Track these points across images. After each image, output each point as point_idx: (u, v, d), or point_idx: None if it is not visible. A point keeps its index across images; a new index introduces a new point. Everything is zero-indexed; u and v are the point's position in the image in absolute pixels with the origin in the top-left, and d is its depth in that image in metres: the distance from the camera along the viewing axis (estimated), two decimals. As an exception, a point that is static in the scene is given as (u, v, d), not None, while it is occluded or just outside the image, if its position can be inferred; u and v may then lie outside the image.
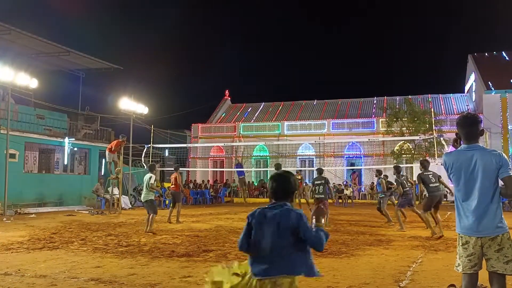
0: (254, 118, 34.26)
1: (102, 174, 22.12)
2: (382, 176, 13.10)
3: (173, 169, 14.91)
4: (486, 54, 33.01)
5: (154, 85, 56.71)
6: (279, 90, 75.44)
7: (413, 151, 25.26)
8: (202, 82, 72.12)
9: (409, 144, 25.73)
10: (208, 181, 29.04)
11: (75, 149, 21.52)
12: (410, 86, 75.12)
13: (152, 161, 20.28)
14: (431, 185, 9.48)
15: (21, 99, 19.13)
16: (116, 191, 17.90)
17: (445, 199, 25.20)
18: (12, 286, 4.92)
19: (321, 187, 11.09)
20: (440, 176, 9.99)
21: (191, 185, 26.74)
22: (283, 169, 16.11)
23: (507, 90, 27.73)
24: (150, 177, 10.31)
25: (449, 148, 23.33)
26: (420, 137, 22.24)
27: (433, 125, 21.70)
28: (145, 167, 19.66)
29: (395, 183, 11.81)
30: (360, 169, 28.02)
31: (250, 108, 36.28)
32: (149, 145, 19.02)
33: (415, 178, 26.31)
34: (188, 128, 34.62)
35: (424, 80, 67.96)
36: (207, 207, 21.17)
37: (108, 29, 60.09)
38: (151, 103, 22.02)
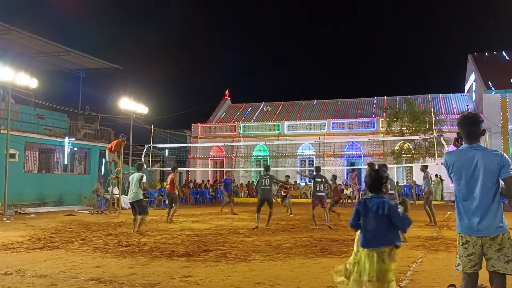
0: (254, 118, 34.27)
1: (102, 174, 22.12)
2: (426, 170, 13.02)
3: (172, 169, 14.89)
4: (486, 54, 33.01)
5: (154, 85, 56.66)
6: (279, 90, 75.47)
7: (413, 151, 25.26)
8: (202, 82, 72.21)
9: (409, 144, 25.74)
10: (208, 181, 29.04)
11: (75, 149, 21.52)
12: (410, 86, 75.14)
13: (153, 161, 20.30)
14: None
15: (21, 99, 19.13)
16: (116, 191, 17.91)
17: (443, 200, 25.32)
18: (12, 286, 4.93)
19: (322, 185, 11.20)
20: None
21: (191, 185, 26.75)
22: (285, 169, 16.23)
23: (507, 90, 27.73)
24: (142, 177, 9.99)
25: (449, 148, 23.34)
26: (420, 137, 22.24)
27: (433, 125, 21.70)
28: (145, 167, 19.67)
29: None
30: (360, 169, 28.01)
31: (250, 108, 36.28)
32: (149, 145, 19.02)
33: (414, 178, 26.37)
34: (188, 128, 34.63)
35: (424, 80, 67.97)
36: (207, 207, 21.16)
37: (108, 29, 60.08)
38: (151, 103, 22.03)
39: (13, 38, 18.52)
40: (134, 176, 10.01)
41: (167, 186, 13.55)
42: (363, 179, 13.90)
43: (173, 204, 13.00)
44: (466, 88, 33.56)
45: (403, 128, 25.49)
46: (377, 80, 68.57)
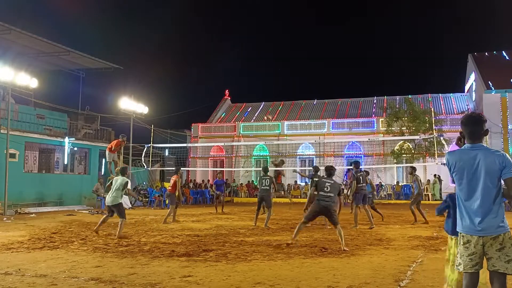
0: (254, 118, 34.27)
1: (102, 174, 22.12)
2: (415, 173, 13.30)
3: (173, 169, 14.88)
4: (486, 53, 33.01)
5: (154, 85, 56.74)
6: (279, 90, 75.46)
7: (413, 151, 25.26)
8: (202, 82, 72.18)
9: (409, 144, 25.74)
10: (208, 180, 29.04)
11: (75, 148, 21.52)
12: (410, 86, 75.15)
13: (153, 161, 20.29)
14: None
15: (21, 99, 19.14)
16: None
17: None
18: (13, 286, 4.93)
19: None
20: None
21: (191, 185, 26.75)
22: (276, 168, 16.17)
23: (507, 89, 27.72)
24: (127, 183, 9.67)
25: (449, 148, 23.35)
26: (420, 137, 22.24)
27: (433, 125, 21.71)
28: (145, 167, 19.68)
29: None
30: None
31: (250, 108, 36.28)
32: (149, 145, 19.02)
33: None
34: (188, 127, 34.62)
35: (424, 80, 67.99)
36: (207, 206, 21.15)
37: (108, 29, 60.08)
38: (151, 103, 22.08)
39: (13, 38, 18.52)
40: (118, 180, 9.58)
41: (169, 187, 13.46)
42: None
43: (171, 205, 12.96)
44: (466, 87, 33.56)
45: (403, 128, 25.49)
46: (377, 80, 68.58)
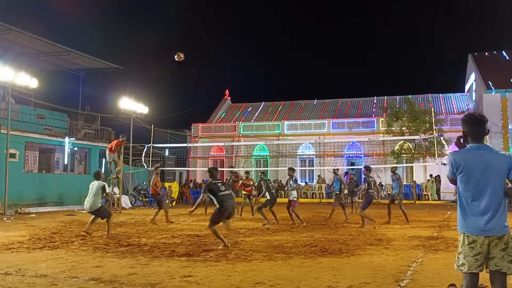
0: (254, 118, 34.26)
1: (103, 173, 22.08)
2: (339, 173, 14.30)
3: (173, 169, 14.82)
4: (486, 53, 32.99)
5: (154, 85, 56.71)
6: (279, 90, 75.44)
7: (413, 151, 25.26)
8: (202, 82, 72.17)
9: (409, 144, 25.73)
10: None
11: (75, 148, 21.52)
12: (410, 86, 75.11)
13: (153, 161, 20.26)
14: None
15: (21, 99, 19.14)
16: (116, 190, 17.93)
17: (442, 199, 25.27)
18: (13, 286, 4.93)
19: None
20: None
21: (191, 185, 26.74)
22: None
23: (507, 89, 27.70)
24: (104, 186, 9.32)
25: (449, 148, 23.33)
26: (420, 137, 22.24)
27: (433, 125, 21.70)
28: (145, 167, 19.66)
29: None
30: (361, 168, 27.97)
31: (250, 108, 36.28)
32: (149, 145, 19.02)
33: (414, 178, 26.36)
34: (188, 127, 34.62)
35: (424, 80, 67.97)
36: (208, 206, 21.12)
37: (108, 29, 60.05)
38: (151, 103, 22.05)
39: (13, 38, 18.53)
40: (95, 185, 9.20)
41: (151, 188, 13.06)
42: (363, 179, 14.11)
43: (160, 206, 12.52)
44: (466, 87, 33.55)
45: (403, 128, 25.48)
46: (377, 80, 68.56)
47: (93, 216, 9.27)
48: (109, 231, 9.13)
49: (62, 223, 12.04)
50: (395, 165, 25.52)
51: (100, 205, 9.28)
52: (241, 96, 55.17)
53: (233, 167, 27.12)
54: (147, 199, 21.16)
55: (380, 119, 29.27)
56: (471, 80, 31.88)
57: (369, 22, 77.87)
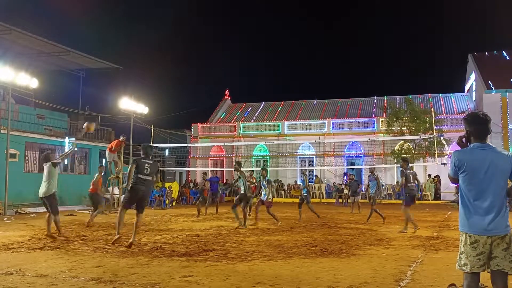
0: (254, 118, 34.26)
1: (103, 174, 22.08)
2: (376, 173, 13.78)
3: (173, 169, 14.78)
4: (487, 53, 33.00)
5: (154, 85, 56.74)
6: (279, 90, 75.49)
7: (413, 151, 25.26)
8: (202, 82, 72.18)
9: (409, 144, 25.74)
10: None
11: (75, 149, 21.50)
12: (410, 86, 75.11)
13: (154, 161, 20.21)
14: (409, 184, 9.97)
15: (21, 99, 19.13)
16: (116, 190, 17.93)
17: (442, 199, 25.30)
18: (13, 286, 4.93)
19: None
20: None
21: (191, 185, 26.74)
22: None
23: (508, 89, 27.72)
24: (53, 164, 8.75)
25: (449, 148, 23.33)
26: (420, 137, 22.27)
27: (434, 125, 21.72)
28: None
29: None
30: (361, 168, 28.00)
31: (250, 108, 36.28)
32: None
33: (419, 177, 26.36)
34: (188, 127, 34.62)
35: (424, 80, 67.99)
36: (208, 207, 21.11)
37: (108, 29, 60.08)
38: (151, 103, 22.02)
39: (13, 38, 18.53)
40: (45, 168, 8.71)
41: (90, 187, 12.32)
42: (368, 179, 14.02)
43: (96, 206, 12.07)
44: (467, 87, 33.55)
45: (403, 128, 25.49)
46: (377, 79, 68.57)
47: (47, 215, 8.66)
48: (60, 230, 8.65)
49: (62, 223, 11.96)
50: (395, 165, 25.57)
51: (54, 191, 8.58)
52: (241, 96, 55.23)
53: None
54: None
55: (380, 119, 29.28)
56: (471, 80, 31.88)
57: (370, 22, 77.89)
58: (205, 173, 16.88)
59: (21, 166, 18.19)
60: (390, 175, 28.35)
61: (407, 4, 76.66)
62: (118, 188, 17.66)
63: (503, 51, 32.68)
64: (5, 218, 13.33)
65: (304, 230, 10.52)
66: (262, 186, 11.83)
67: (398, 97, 32.35)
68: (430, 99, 32.48)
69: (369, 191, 13.64)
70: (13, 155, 16.78)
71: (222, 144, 29.98)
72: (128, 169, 7.91)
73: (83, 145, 21.55)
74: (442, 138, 18.86)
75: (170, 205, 20.48)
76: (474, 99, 31.22)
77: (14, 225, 11.67)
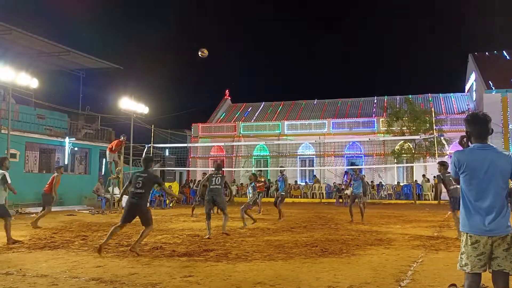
0: (254, 118, 34.27)
1: (103, 173, 22.12)
2: (285, 173, 14.16)
3: (173, 169, 14.77)
4: (487, 53, 33.00)
5: (154, 85, 56.71)
6: (279, 90, 75.50)
7: (413, 151, 25.27)
8: (202, 82, 72.20)
9: (409, 144, 25.74)
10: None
11: (76, 149, 21.53)
12: (410, 86, 75.12)
13: (154, 161, 20.20)
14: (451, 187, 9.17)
15: (21, 99, 19.15)
16: (116, 190, 17.91)
17: (444, 199, 25.27)
18: (14, 286, 4.93)
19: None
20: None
21: (191, 185, 26.74)
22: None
23: (508, 89, 27.73)
24: (3, 175, 8.27)
25: (449, 148, 23.33)
26: (420, 137, 22.27)
27: (434, 125, 21.74)
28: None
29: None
30: (361, 168, 28.00)
31: (250, 108, 36.29)
32: (150, 145, 19.03)
33: (415, 178, 26.33)
34: (188, 127, 34.64)
35: (425, 80, 67.97)
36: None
37: (108, 29, 60.09)
38: (151, 103, 22.04)
39: (14, 38, 18.55)
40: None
41: (46, 186, 11.87)
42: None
43: (45, 207, 11.70)
44: (467, 87, 33.56)
45: (403, 128, 25.50)
46: (377, 79, 68.58)
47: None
48: (9, 233, 8.14)
49: (62, 223, 12.04)
50: (395, 165, 25.58)
51: (2, 203, 8.04)
52: (241, 96, 55.21)
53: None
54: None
55: (381, 119, 29.28)
56: (472, 80, 31.88)
57: (370, 22, 77.92)
58: (205, 173, 16.96)
59: (22, 166, 18.20)
60: (391, 175, 28.36)
61: (407, 4, 76.72)
62: (119, 188, 17.65)
63: (504, 51, 32.68)
64: (5, 218, 13.31)
65: (304, 230, 10.52)
66: (248, 191, 12.15)
67: (398, 97, 32.36)
68: (430, 99, 32.49)
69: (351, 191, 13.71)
70: (13, 155, 16.79)
71: (222, 144, 29.99)
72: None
73: (83, 145, 21.57)
74: (442, 138, 18.84)
75: (170, 205, 20.48)
76: (474, 99, 31.22)
77: (14, 225, 11.61)
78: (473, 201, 3.19)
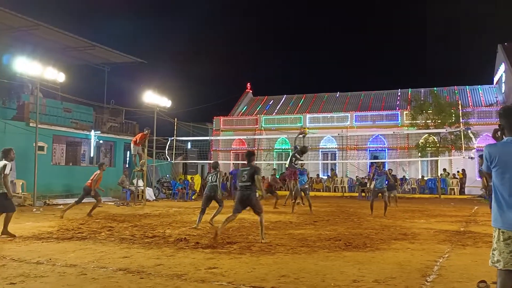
0: (276, 111, 34.18)
1: (127, 166, 22.53)
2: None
3: (196, 162, 14.90)
4: (517, 43, 31.88)
5: (177, 78, 57.15)
6: (301, 83, 75.00)
7: (438, 144, 24.75)
8: (224, 75, 72.35)
9: (434, 137, 25.21)
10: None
11: (101, 141, 21.96)
12: (435, 78, 73.35)
13: (176, 153, 20.45)
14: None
15: (48, 93, 19.62)
16: (140, 183, 18.25)
17: (469, 194, 24.71)
18: (45, 275, 5.08)
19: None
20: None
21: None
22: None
23: (539, 81, 26.79)
24: (5, 165, 7.73)
25: (477, 141, 22.73)
26: (446, 130, 21.78)
27: (460, 118, 21.21)
28: (168, 160, 19.86)
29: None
30: (384, 162, 27.63)
31: (271, 101, 36.20)
32: (173, 138, 19.25)
33: (440, 171, 25.79)
34: (210, 121, 34.83)
35: (451, 72, 66.22)
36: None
37: (132, 24, 60.80)
38: (174, 96, 22.24)
39: (41, 33, 18.98)
40: None
41: (88, 181, 12.04)
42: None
43: (96, 199, 11.92)
44: (495, 79, 32.57)
45: (428, 121, 24.96)
46: (401, 72, 67.32)
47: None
48: (6, 227, 7.86)
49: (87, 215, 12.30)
50: (419, 159, 25.12)
51: (4, 191, 7.76)
52: (263, 89, 55.04)
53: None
54: (170, 192, 21.45)
55: (404, 112, 28.77)
56: (501, 71, 30.89)
57: (395, 12, 76.29)
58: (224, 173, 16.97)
59: (49, 158, 18.68)
60: (415, 169, 27.87)
61: (433, -6, 74.64)
62: (143, 180, 17.94)
63: (535, 41, 31.51)
64: (34, 209, 13.74)
65: (327, 224, 10.48)
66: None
67: (422, 90, 31.62)
68: (456, 91, 31.69)
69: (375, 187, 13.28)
70: (41, 148, 17.25)
71: (244, 137, 30.03)
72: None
73: (108, 138, 21.97)
74: (469, 131, 18.36)
75: (192, 198, 20.70)
76: (503, 91, 30.28)
77: (43, 216, 12.01)
78: (507, 196, 3.10)
